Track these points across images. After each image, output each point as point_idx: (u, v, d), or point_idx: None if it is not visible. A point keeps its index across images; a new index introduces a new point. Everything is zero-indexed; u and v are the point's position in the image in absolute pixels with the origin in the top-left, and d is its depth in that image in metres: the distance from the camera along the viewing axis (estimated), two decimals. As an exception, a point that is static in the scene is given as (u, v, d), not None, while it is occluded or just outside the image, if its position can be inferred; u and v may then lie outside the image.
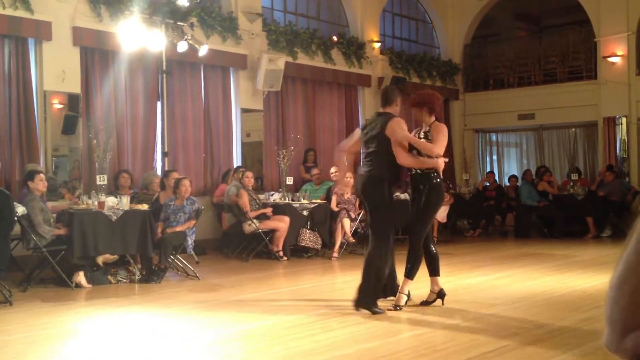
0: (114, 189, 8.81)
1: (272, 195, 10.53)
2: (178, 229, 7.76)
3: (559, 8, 16.94)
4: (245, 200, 9.26)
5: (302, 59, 12.37)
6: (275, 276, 8.22)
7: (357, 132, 6.02)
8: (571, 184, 12.59)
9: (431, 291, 5.85)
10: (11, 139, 8.70)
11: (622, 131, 13.94)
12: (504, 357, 4.16)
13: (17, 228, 6.88)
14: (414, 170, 5.65)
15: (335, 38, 13.26)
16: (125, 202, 7.50)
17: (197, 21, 10.50)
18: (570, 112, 14.61)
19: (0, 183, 8.39)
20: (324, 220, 9.91)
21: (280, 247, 9.32)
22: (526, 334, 4.82)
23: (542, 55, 15.29)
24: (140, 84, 10.13)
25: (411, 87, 13.68)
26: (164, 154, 10.04)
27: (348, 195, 9.99)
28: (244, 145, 11.60)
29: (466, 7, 16.01)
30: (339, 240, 9.74)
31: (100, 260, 7.49)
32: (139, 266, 7.66)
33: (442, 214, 9.91)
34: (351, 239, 9.89)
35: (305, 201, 9.95)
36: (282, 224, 9.32)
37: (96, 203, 7.35)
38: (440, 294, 5.85)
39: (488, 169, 15.65)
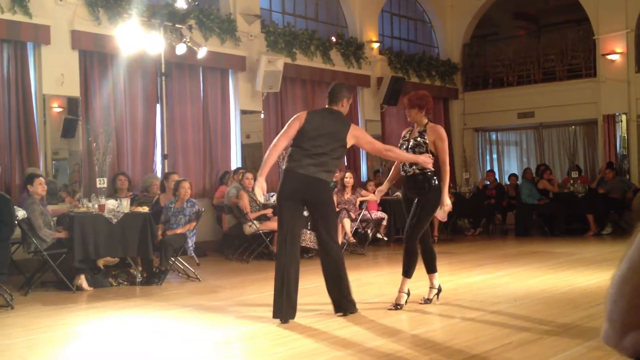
0: (112, 192, 8.81)
1: (272, 196, 10.51)
2: (178, 231, 7.76)
3: (558, 6, 16.98)
4: (245, 201, 9.26)
5: (301, 60, 12.37)
6: (276, 277, 8.19)
7: (295, 126, 5.38)
8: (571, 181, 12.60)
9: (430, 287, 5.91)
10: (11, 143, 8.71)
11: (622, 128, 13.94)
12: (505, 355, 4.16)
13: (17, 232, 6.89)
14: (413, 171, 5.68)
15: (333, 39, 13.25)
16: (125, 205, 7.50)
17: (196, 23, 10.51)
18: (570, 110, 14.62)
19: (0, 187, 8.40)
20: (324, 220, 9.88)
21: (281, 248, 9.30)
22: (527, 332, 4.81)
23: (542, 54, 15.30)
24: (139, 87, 10.14)
25: (411, 87, 13.66)
26: (164, 157, 10.04)
27: (348, 195, 9.98)
28: (244, 146, 11.60)
29: (465, 6, 16.00)
30: (339, 240, 9.72)
31: (101, 263, 7.51)
32: (140, 268, 7.67)
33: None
34: (352, 239, 9.89)
35: (305, 202, 9.92)
36: (282, 225, 9.29)
37: (96, 206, 7.35)
38: (437, 290, 5.93)
39: (488, 168, 15.64)
